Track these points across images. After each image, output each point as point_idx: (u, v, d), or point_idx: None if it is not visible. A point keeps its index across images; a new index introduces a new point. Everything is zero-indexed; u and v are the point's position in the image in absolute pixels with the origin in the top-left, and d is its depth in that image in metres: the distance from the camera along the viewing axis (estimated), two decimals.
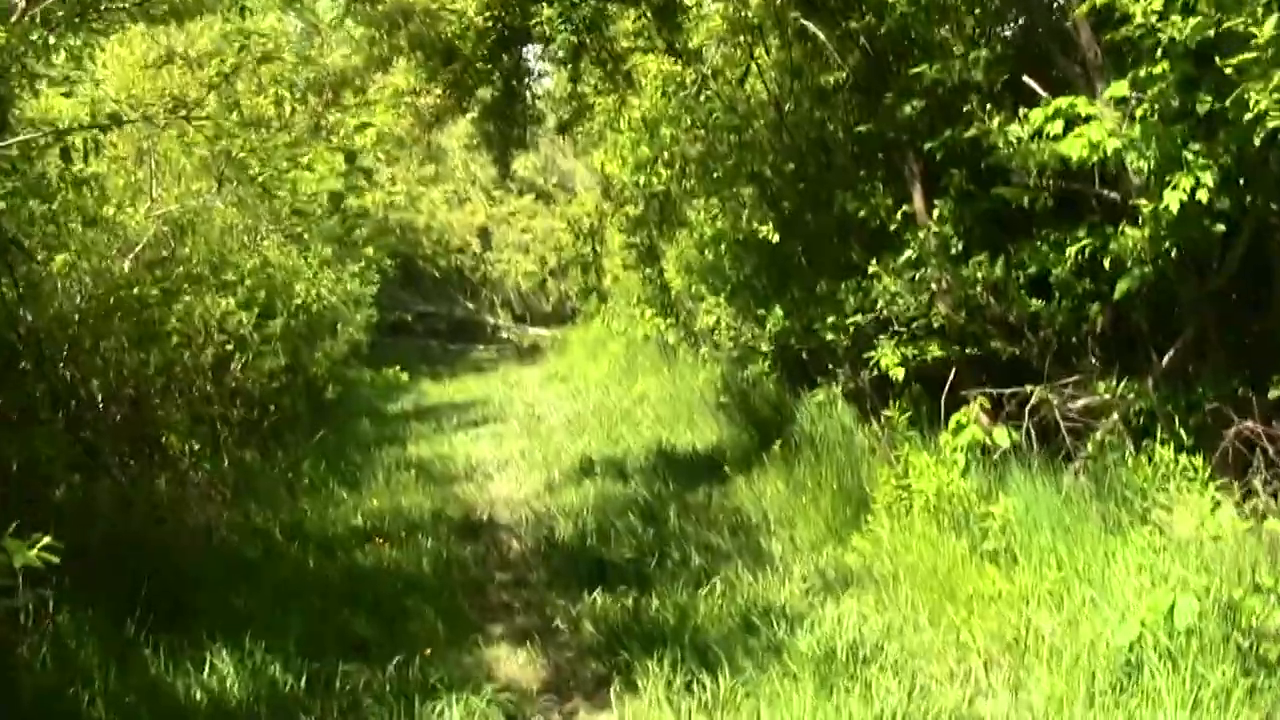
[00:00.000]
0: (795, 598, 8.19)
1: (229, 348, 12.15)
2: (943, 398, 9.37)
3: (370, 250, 18.80)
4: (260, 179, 10.70)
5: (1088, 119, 7.12)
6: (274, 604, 8.59)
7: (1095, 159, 7.09)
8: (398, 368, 24.09)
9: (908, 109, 9.37)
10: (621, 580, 8.94)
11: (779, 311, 11.10)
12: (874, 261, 9.69)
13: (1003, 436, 8.15)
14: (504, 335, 31.50)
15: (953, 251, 9.34)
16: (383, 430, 17.42)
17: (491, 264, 31.40)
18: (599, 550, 9.80)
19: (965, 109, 8.76)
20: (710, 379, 14.58)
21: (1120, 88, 7.06)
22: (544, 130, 35.55)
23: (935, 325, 9.52)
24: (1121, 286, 7.82)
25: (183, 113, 7.69)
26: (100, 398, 9.83)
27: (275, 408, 13.55)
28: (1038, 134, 7.61)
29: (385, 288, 26.45)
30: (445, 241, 29.25)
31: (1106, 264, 7.89)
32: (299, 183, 8.07)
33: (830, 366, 11.18)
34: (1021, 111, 7.82)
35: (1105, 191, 8.07)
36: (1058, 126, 7.19)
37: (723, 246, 12.72)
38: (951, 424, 8.44)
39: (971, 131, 8.20)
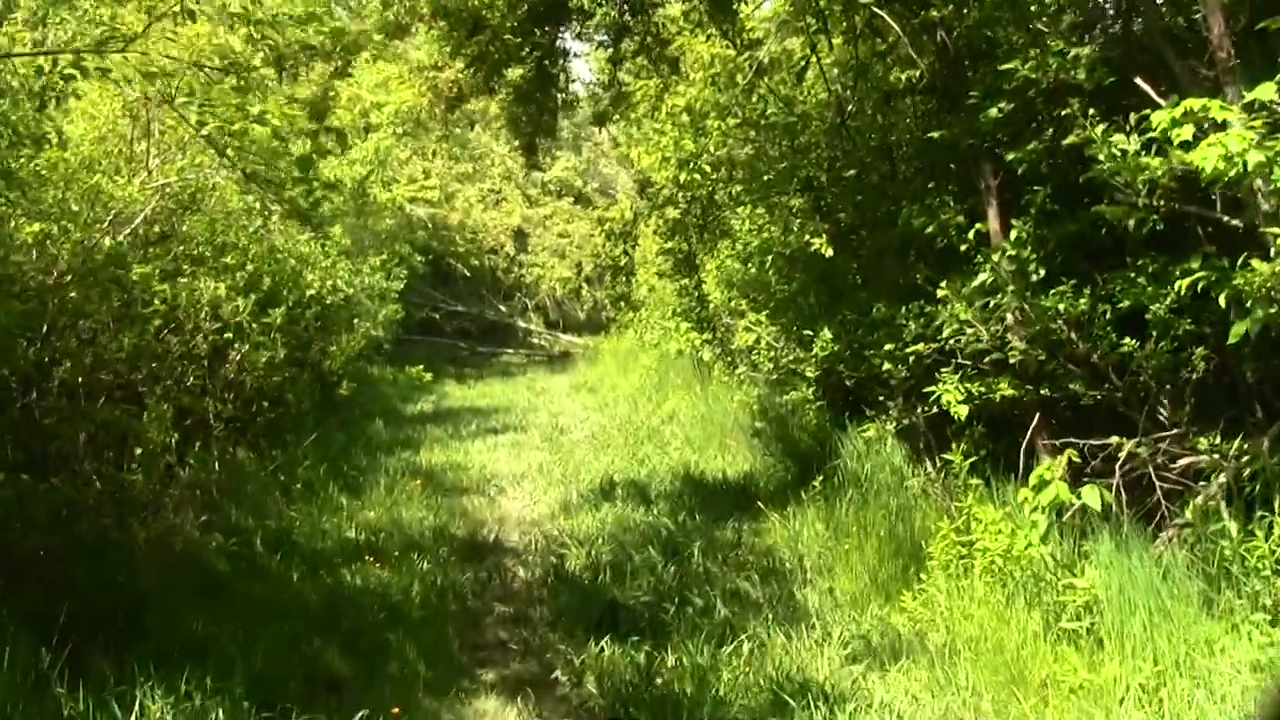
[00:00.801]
0: (835, 666, 6.96)
1: (227, 336, 11.02)
2: (1022, 444, 8.12)
3: (396, 244, 17.65)
4: (207, 129, 9.56)
5: (1223, 125, 5.86)
6: (240, 628, 7.48)
7: (1231, 174, 5.81)
8: (421, 367, 22.93)
9: (993, 111, 8.11)
10: (635, 628, 7.77)
11: (828, 334, 9.84)
12: (942, 285, 8.42)
13: (1093, 497, 6.85)
14: (535, 340, 30.34)
15: (1032, 279, 8.07)
16: (396, 433, 16.27)
17: (526, 267, 30.25)
18: (612, 589, 8.58)
19: (1061, 113, 7.49)
20: (746, 401, 13.34)
21: (1268, 90, 5.79)
22: (580, 123, 34.68)
23: (1008, 360, 8.23)
24: (1238, 330, 6.53)
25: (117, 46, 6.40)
26: (69, 382, 8.66)
27: (276, 404, 12.40)
28: (1150, 145, 6.39)
29: (415, 284, 25.41)
30: (479, 241, 28.11)
31: (1222, 301, 6.60)
32: (252, 137, 6.82)
33: (881, 399, 9.92)
34: (1132, 118, 6.59)
35: (1225, 217, 6.77)
36: (1186, 132, 5.93)
37: (768, 259, 11.50)
38: (1033, 478, 7.16)
39: (1070, 139, 6.91)
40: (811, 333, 10.03)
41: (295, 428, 12.95)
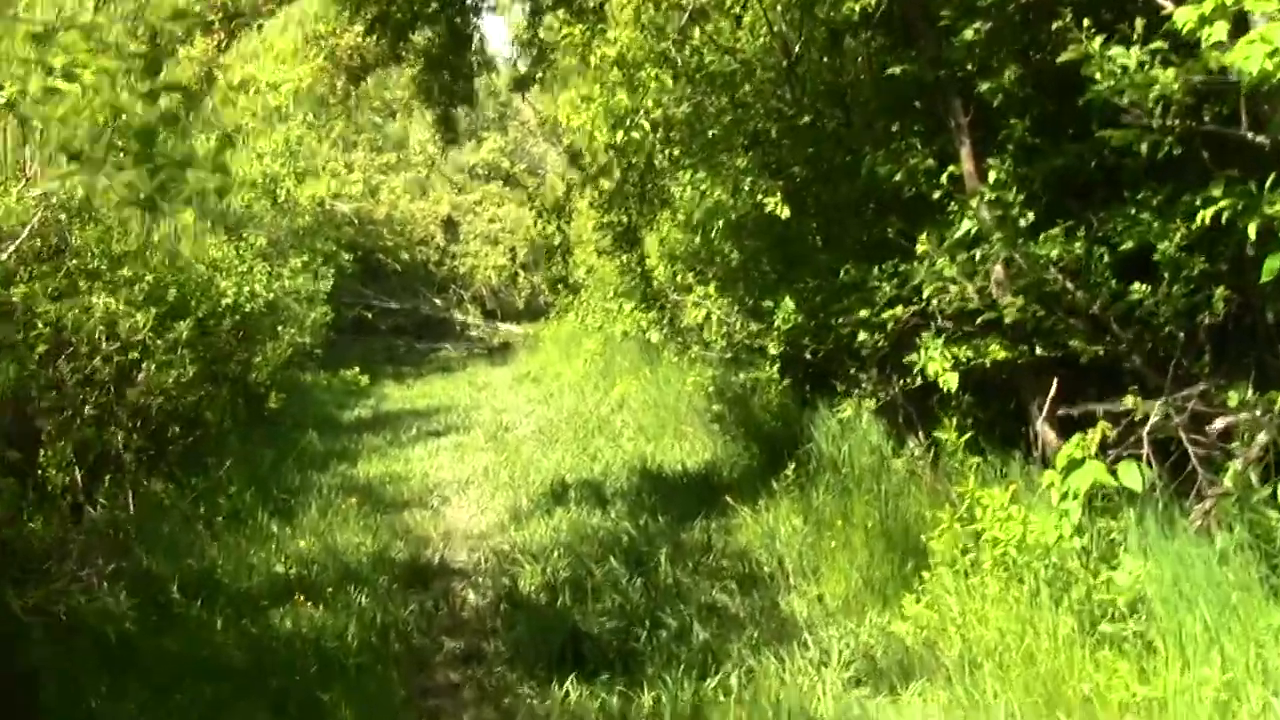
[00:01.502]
0: (838, 693, 5.93)
1: (132, 356, 9.86)
2: (1017, 412, 7.10)
3: (318, 243, 16.41)
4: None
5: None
6: (150, 697, 6.38)
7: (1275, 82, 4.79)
8: (356, 370, 21.75)
9: (968, 33, 7.07)
10: (603, 661, 6.75)
11: (789, 304, 8.74)
12: (921, 238, 7.36)
13: (1132, 477, 5.82)
14: (473, 333, 29.14)
15: (1019, 223, 7.05)
16: (332, 444, 15.08)
17: (459, 257, 29.03)
18: (573, 613, 7.50)
19: (1039, 33, 6.48)
20: (700, 383, 12.25)
21: None
22: (505, 102, 33.44)
23: (1002, 319, 7.19)
24: (1271, 264, 5.55)
25: None
26: None
27: (193, 425, 11.23)
28: (1155, 57, 5.40)
29: (344, 283, 24.20)
30: (408, 233, 26.88)
31: (1251, 232, 5.60)
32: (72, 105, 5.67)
33: (852, 372, 8.88)
34: (1139, 25, 5.58)
35: (1252, 134, 5.74)
36: (1220, 30, 4.90)
37: (715, 226, 10.43)
38: (1060, 458, 6.12)
39: (1067, 55, 5.86)
40: (771, 304, 8.93)
41: (217, 450, 11.78)
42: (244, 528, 10.17)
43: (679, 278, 12.01)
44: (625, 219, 10.28)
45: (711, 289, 11.27)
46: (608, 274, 15.86)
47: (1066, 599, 5.83)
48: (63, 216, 9.63)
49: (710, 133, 9.10)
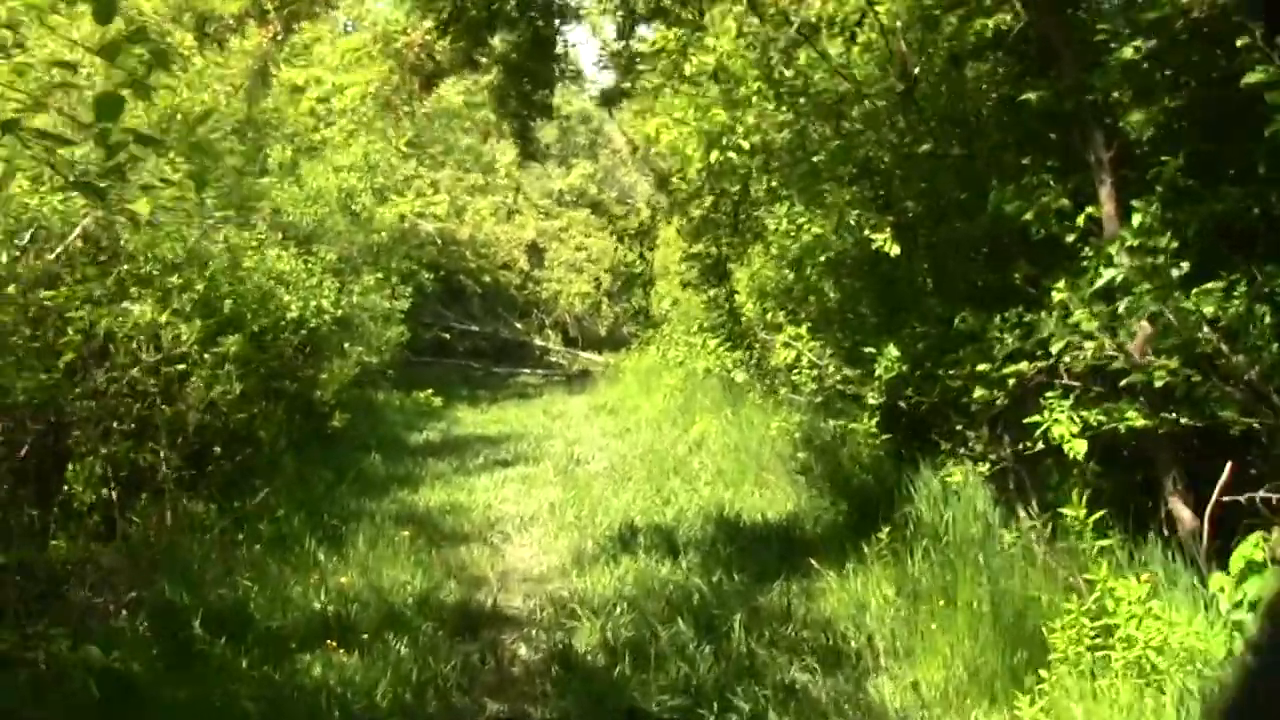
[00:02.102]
0: None
1: (179, 368, 9.12)
2: (1175, 488, 6.10)
3: (394, 260, 15.65)
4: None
5: None
6: None
7: None
8: (429, 392, 20.98)
9: (1128, 52, 6.10)
10: None
11: (893, 351, 7.80)
12: (1058, 285, 6.38)
13: None
14: (553, 359, 28.33)
15: (1172, 274, 6.06)
16: (395, 468, 14.28)
17: (542, 283, 28.27)
18: (632, 684, 6.57)
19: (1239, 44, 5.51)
20: (785, 428, 11.31)
21: None
22: (596, 128, 32.69)
23: (1152, 381, 6.20)
24: None
25: None
26: None
27: (243, 443, 10.49)
28: None
29: (425, 303, 23.54)
30: (491, 256, 26.14)
31: None
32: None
33: (960, 429, 7.91)
34: None
35: None
36: None
37: (814, 262, 9.50)
38: (1234, 561, 5.12)
39: (1256, 77, 4.89)
40: (873, 349, 7.97)
41: (268, 470, 11.02)
42: (288, 555, 9.41)
43: (769, 315, 11.11)
44: (715, 250, 9.34)
45: (804, 329, 10.39)
46: (693, 307, 14.99)
47: None
48: (120, 220, 8.96)
49: (814, 159, 8.17)
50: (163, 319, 8.37)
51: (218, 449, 10.08)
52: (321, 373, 14.27)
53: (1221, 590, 5.12)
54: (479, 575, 9.69)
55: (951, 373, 7.39)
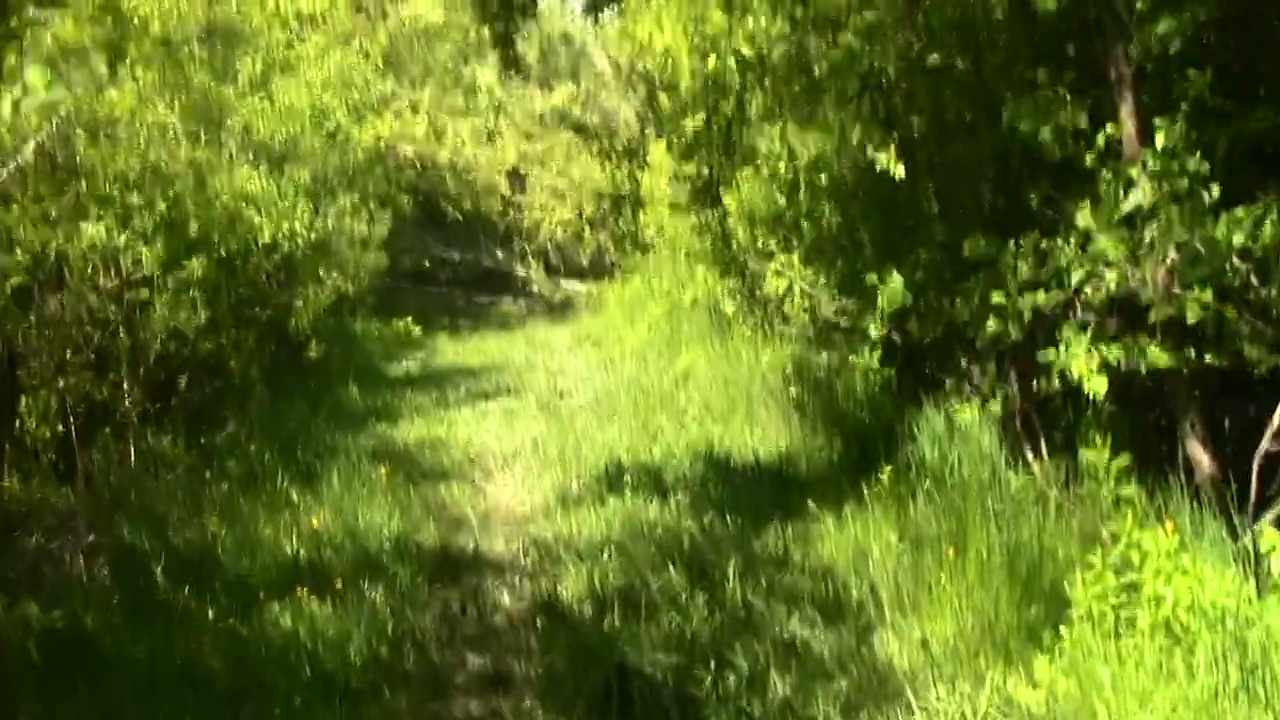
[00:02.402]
0: None
1: (142, 295, 8.63)
2: (1193, 432, 5.69)
3: (371, 183, 15.04)
4: None
5: None
6: None
7: None
8: (409, 320, 20.44)
9: None
10: (655, 708, 5.38)
11: (897, 280, 7.32)
12: (1086, 210, 5.91)
13: None
14: (535, 289, 27.73)
15: (1203, 198, 5.61)
16: (373, 400, 13.81)
17: (524, 209, 27.59)
18: (622, 638, 6.15)
19: None
20: (777, 363, 10.87)
21: None
22: (579, 50, 31.86)
23: (1184, 317, 5.76)
24: None
25: None
26: None
27: (212, 374, 10.02)
28: None
29: (404, 230, 22.91)
30: (473, 181, 25.44)
31: None
32: None
33: (967, 365, 7.47)
34: None
35: None
36: None
37: (810, 182, 8.99)
38: None
39: None
40: (875, 279, 7.49)
41: (239, 403, 10.55)
42: (259, 493, 9.02)
43: (759, 242, 10.62)
44: (706, 171, 8.78)
45: (795, 257, 9.94)
46: (680, 234, 14.49)
47: (1271, 682, 4.42)
48: (78, 132, 8.43)
49: (814, 73, 7.63)
50: (121, 240, 7.83)
51: (184, 380, 9.61)
52: (296, 300, 13.76)
53: (1273, 550, 4.71)
54: (459, 516, 9.30)
55: (959, 303, 6.93)
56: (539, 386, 15.00)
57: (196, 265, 8.52)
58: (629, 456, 10.32)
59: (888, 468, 7.60)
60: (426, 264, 25.11)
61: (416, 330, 20.33)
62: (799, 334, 10.67)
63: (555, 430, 12.00)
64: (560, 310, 25.96)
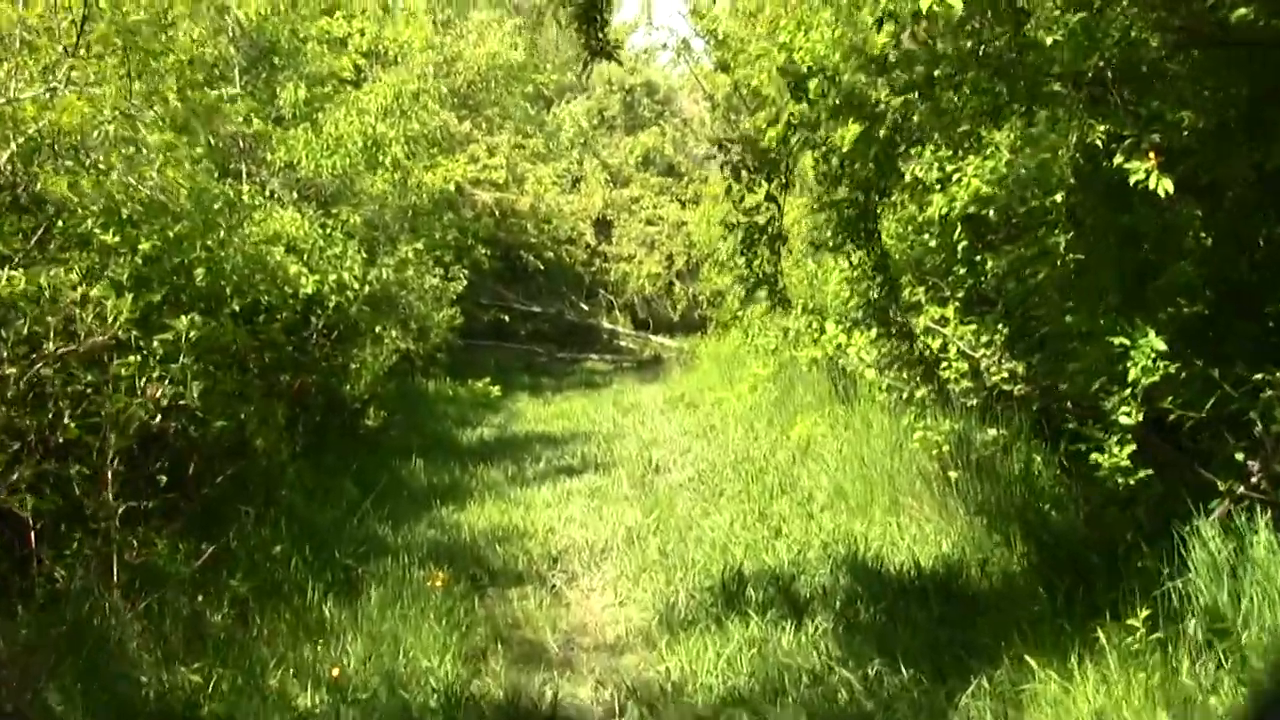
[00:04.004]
0: None
1: (132, 360, 6.52)
2: None
3: (440, 229, 12.93)
4: None
5: None
6: None
7: None
8: (487, 380, 18.35)
9: None
10: None
11: (1156, 343, 4.98)
12: None
13: None
14: (622, 343, 25.59)
15: None
16: (440, 475, 11.69)
17: (611, 260, 25.49)
18: None
19: None
20: (930, 440, 8.52)
21: None
22: (662, 98, 29.80)
23: None
24: None
25: None
26: None
27: (232, 457, 7.91)
28: None
29: (482, 282, 20.92)
30: (554, 230, 23.41)
31: None
32: None
33: (1242, 457, 5.12)
34: None
35: None
36: None
37: (979, 217, 6.73)
38: None
39: None
40: (1123, 337, 5.11)
41: (265, 490, 8.42)
42: (279, 613, 6.88)
43: (909, 291, 8.34)
44: (861, 198, 6.43)
45: (951, 310, 7.70)
46: (795, 281, 12.19)
47: None
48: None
49: (1012, 70, 5.32)
50: (78, 294, 5.74)
51: (191, 466, 7.48)
52: (351, 362, 11.68)
53: None
54: (535, 642, 7.11)
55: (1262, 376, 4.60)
56: (630, 458, 12.79)
57: (186, 324, 6.36)
58: (747, 556, 8.08)
59: (1143, 608, 5.19)
60: (506, 319, 23.03)
61: (495, 390, 18.26)
62: (958, 404, 8.37)
63: (652, 517, 9.81)
64: (649, 367, 23.85)
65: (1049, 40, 4.67)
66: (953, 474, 8.19)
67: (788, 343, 13.69)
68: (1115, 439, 5.17)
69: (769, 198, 5.68)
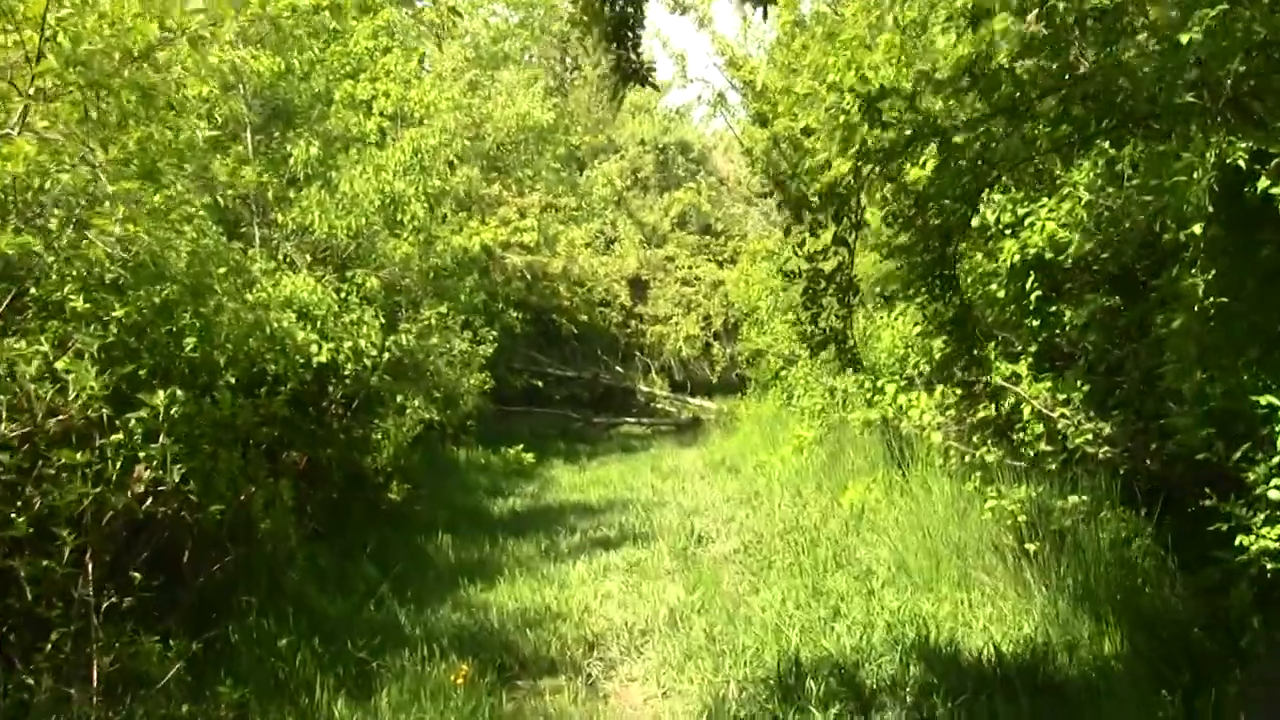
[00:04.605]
0: None
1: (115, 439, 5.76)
2: None
3: (466, 291, 12.13)
4: None
5: None
6: None
7: None
8: (520, 447, 17.54)
9: None
10: None
11: None
12: None
13: None
14: (659, 406, 24.73)
15: None
16: (469, 551, 10.88)
17: (646, 322, 24.71)
18: None
19: None
20: (1006, 507, 7.61)
21: None
22: (698, 156, 29.15)
23: None
24: None
25: None
26: None
27: (228, 543, 7.11)
28: None
29: (514, 347, 20.17)
30: (589, 292, 22.67)
31: None
32: None
33: None
34: None
35: None
36: None
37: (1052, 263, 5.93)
38: None
39: None
40: (1270, 397, 4.21)
41: (270, 576, 7.61)
42: (284, 713, 6.07)
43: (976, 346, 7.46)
44: (934, 242, 5.55)
45: (1023, 367, 6.91)
46: (873, 332, 11.26)
47: None
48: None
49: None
50: (30, 368, 4.96)
51: (186, 553, 6.69)
52: (372, 434, 10.91)
53: None
54: None
55: None
56: (671, 528, 11.93)
57: (165, 398, 5.57)
58: (803, 641, 7.20)
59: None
60: (540, 384, 22.22)
61: (528, 457, 17.46)
62: (1034, 470, 7.48)
63: (697, 594, 8.96)
64: (688, 430, 23.03)
65: (1185, 39, 3.82)
66: (1030, 546, 7.29)
67: (834, 404, 12.85)
68: (1262, 516, 4.26)
69: (838, 240, 4.82)
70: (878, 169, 4.55)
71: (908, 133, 4.52)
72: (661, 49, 22.64)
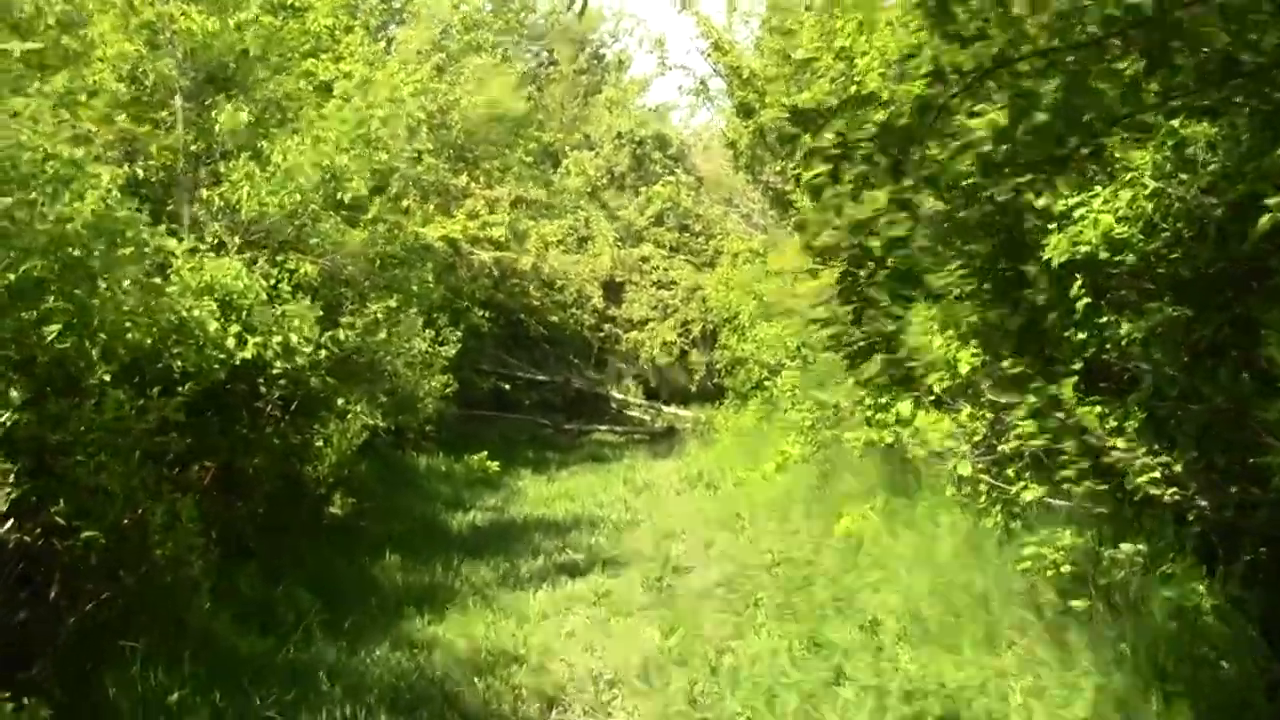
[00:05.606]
0: None
1: None
2: None
3: (417, 282, 10.77)
4: None
5: None
6: None
7: None
8: (484, 454, 16.23)
9: None
10: None
11: None
12: None
13: None
14: (632, 414, 23.48)
15: None
16: (418, 575, 9.62)
17: (620, 325, 23.46)
18: None
19: None
20: (1049, 556, 6.35)
21: None
22: (675, 153, 27.99)
23: None
24: None
25: None
26: None
27: (115, 575, 5.84)
28: None
29: (481, 348, 18.89)
30: (561, 292, 21.43)
31: None
32: None
33: None
34: None
35: None
36: None
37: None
38: None
39: None
40: None
41: (170, 613, 6.29)
42: None
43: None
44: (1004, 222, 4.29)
45: (1068, 389, 5.68)
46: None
47: None
48: None
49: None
50: None
51: (53, 590, 5.39)
52: (314, 440, 9.61)
53: None
54: None
55: None
56: (644, 554, 10.71)
57: (17, 398, 4.28)
58: (803, 711, 5.93)
59: None
60: (508, 387, 20.91)
61: (493, 465, 16.16)
62: (1077, 511, 6.25)
63: (674, 638, 7.72)
64: (662, 440, 21.82)
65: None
66: (1076, 603, 6.04)
67: (825, 418, 11.57)
68: None
69: (898, 202, 3.46)
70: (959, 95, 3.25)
71: (994, 50, 3.24)
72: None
